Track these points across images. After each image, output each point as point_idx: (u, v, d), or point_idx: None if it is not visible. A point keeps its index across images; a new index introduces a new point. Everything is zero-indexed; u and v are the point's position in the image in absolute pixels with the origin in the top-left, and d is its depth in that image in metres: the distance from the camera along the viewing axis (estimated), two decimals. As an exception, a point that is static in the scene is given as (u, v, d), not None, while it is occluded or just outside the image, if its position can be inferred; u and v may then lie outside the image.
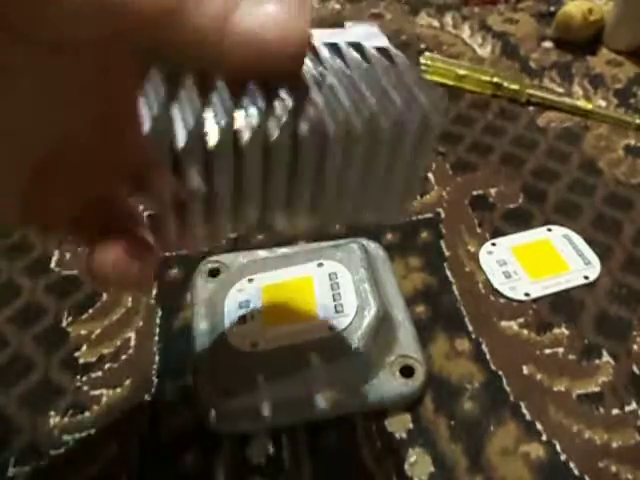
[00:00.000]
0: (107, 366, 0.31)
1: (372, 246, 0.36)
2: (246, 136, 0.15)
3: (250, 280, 0.32)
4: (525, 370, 0.30)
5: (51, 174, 0.17)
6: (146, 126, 0.14)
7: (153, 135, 0.14)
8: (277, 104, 0.15)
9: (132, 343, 0.32)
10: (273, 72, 0.15)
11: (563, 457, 0.27)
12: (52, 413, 0.29)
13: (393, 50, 0.17)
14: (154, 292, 0.34)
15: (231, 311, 0.30)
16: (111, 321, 0.33)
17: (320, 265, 0.32)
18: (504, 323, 0.33)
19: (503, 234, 0.38)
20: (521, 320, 0.33)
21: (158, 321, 0.33)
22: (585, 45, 0.56)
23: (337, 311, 0.29)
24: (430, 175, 0.42)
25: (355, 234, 0.37)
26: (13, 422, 0.29)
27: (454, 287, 0.34)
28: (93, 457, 0.27)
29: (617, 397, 0.29)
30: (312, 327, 0.29)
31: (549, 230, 0.38)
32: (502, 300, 0.34)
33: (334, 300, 0.30)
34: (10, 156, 0.16)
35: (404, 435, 0.28)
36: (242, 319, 0.30)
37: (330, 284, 0.31)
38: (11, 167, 0.16)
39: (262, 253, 0.35)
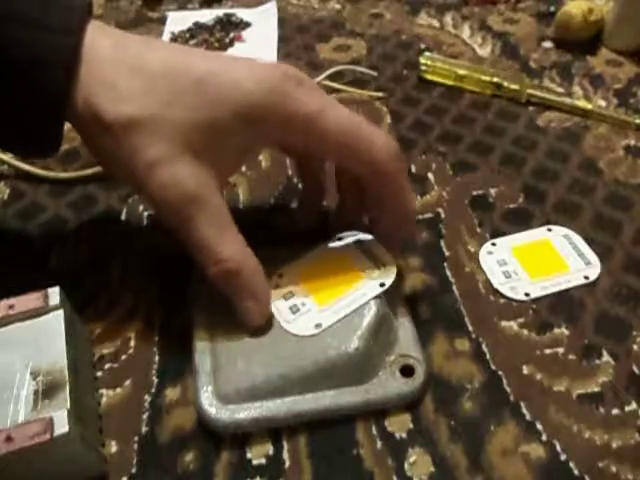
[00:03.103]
0: (107, 366, 0.31)
1: (372, 246, 0.36)
2: None
3: None
4: (525, 370, 0.30)
5: None
6: None
7: None
8: None
9: (132, 343, 0.32)
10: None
11: (563, 457, 0.27)
12: (52, 413, 0.29)
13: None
14: (154, 292, 0.34)
15: None
16: (111, 321, 0.33)
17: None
18: (504, 323, 0.33)
19: (503, 234, 0.38)
20: (521, 320, 0.33)
21: (158, 321, 0.33)
22: (585, 45, 0.56)
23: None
24: (430, 175, 0.42)
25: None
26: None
27: (454, 287, 0.34)
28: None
29: (617, 397, 0.29)
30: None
31: (549, 230, 0.38)
32: (502, 300, 0.34)
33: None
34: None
35: (404, 435, 0.28)
36: None
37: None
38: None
39: (262, 253, 0.35)
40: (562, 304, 0.33)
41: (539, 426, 0.28)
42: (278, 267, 0.32)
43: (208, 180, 0.27)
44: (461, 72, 0.51)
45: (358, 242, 0.32)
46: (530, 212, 0.39)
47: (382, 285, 0.30)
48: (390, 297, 0.32)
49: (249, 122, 0.27)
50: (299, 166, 0.36)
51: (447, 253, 0.37)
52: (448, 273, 0.35)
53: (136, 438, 0.28)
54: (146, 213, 0.40)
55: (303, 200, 0.39)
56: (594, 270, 0.35)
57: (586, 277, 0.35)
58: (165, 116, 0.26)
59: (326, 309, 0.29)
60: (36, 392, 0.24)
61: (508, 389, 0.30)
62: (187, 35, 0.60)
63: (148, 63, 0.27)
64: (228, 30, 0.61)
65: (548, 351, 0.31)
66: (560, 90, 0.51)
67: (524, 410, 0.29)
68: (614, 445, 0.27)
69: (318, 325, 0.29)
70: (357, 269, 0.31)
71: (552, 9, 0.61)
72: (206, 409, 0.28)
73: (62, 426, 0.23)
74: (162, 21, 0.63)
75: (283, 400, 0.28)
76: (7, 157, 0.43)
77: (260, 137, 0.29)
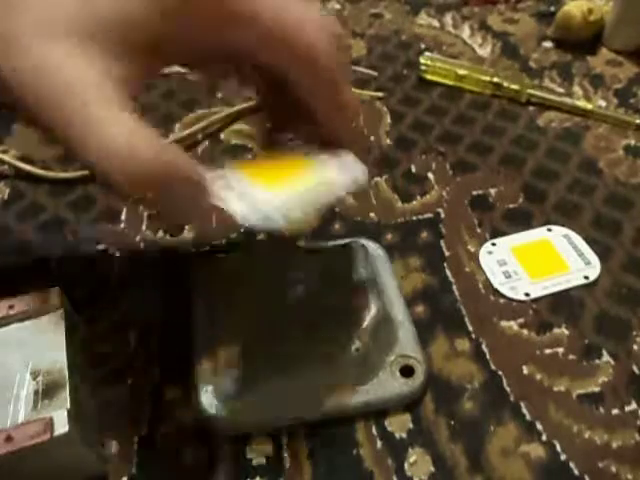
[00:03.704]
0: (107, 366, 0.31)
1: (372, 246, 0.36)
2: None
3: None
4: (525, 370, 0.30)
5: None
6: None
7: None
8: None
9: (132, 343, 0.32)
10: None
11: (563, 457, 0.27)
12: (52, 413, 0.29)
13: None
14: (154, 292, 0.34)
15: None
16: (111, 321, 0.33)
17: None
18: (504, 323, 0.33)
19: (503, 234, 0.38)
20: (521, 320, 0.33)
21: (158, 321, 0.33)
22: (585, 45, 0.56)
23: None
24: (430, 175, 0.42)
25: (355, 234, 0.37)
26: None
27: (454, 287, 0.34)
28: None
29: (617, 397, 0.29)
30: None
31: (549, 230, 0.38)
32: (502, 300, 0.34)
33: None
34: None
35: (404, 435, 0.28)
36: None
37: None
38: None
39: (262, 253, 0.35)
40: (562, 304, 0.33)
41: (539, 426, 0.28)
42: None
43: (100, 71, 0.22)
44: (461, 72, 0.51)
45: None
46: (530, 212, 0.39)
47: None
48: (390, 297, 0.32)
49: (164, 13, 0.22)
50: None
51: (447, 253, 0.37)
52: (448, 273, 0.35)
53: (136, 438, 0.28)
54: (146, 213, 0.40)
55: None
56: (594, 270, 0.35)
57: (586, 277, 0.35)
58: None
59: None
60: (36, 392, 0.24)
61: (508, 389, 0.30)
62: (187, 35, 0.60)
63: None
64: (228, 30, 0.61)
65: (548, 351, 0.31)
66: (560, 90, 0.51)
67: (524, 410, 0.29)
68: (614, 445, 0.27)
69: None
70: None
71: (552, 9, 0.61)
72: (206, 409, 0.28)
73: (62, 426, 0.23)
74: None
75: (283, 400, 0.28)
76: (7, 157, 0.43)
77: (182, 34, 0.23)
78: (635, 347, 0.31)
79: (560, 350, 0.31)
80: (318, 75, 0.24)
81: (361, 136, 0.30)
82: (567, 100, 0.48)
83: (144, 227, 0.39)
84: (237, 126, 0.48)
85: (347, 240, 0.35)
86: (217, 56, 0.26)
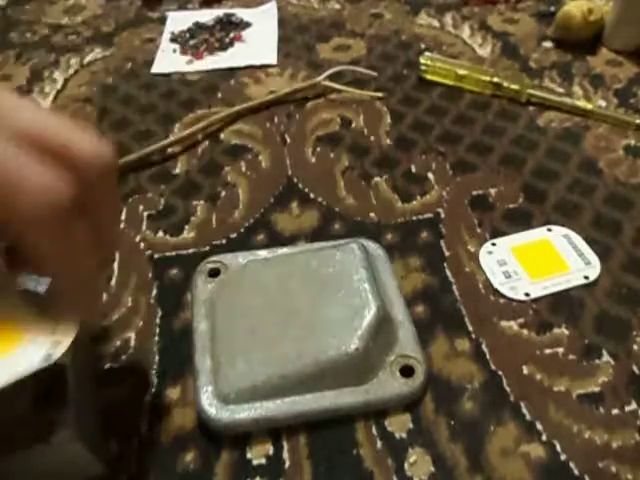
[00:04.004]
0: (107, 366, 0.31)
1: (372, 246, 0.36)
2: None
3: None
4: (525, 370, 0.30)
5: None
6: None
7: None
8: None
9: (132, 343, 0.32)
10: None
11: (563, 457, 0.27)
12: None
13: None
14: (154, 292, 0.34)
15: None
16: (111, 321, 0.33)
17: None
18: (504, 323, 0.33)
19: (503, 234, 0.38)
20: (521, 320, 0.33)
21: (158, 321, 0.33)
22: (585, 45, 0.56)
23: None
24: (430, 175, 0.42)
25: (355, 234, 0.37)
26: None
27: (454, 287, 0.34)
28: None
29: (617, 397, 0.29)
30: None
31: (549, 230, 0.38)
32: (502, 300, 0.34)
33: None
34: None
35: (404, 435, 0.28)
36: None
37: None
38: None
39: (262, 253, 0.35)
40: (562, 304, 0.33)
41: (539, 426, 0.28)
42: None
43: None
44: (461, 72, 0.51)
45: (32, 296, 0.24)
46: (530, 212, 0.39)
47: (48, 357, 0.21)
48: (390, 297, 0.32)
49: None
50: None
51: (447, 253, 0.37)
52: (448, 273, 0.35)
53: (136, 438, 0.28)
54: (146, 213, 0.40)
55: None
56: (594, 270, 0.35)
57: (586, 277, 0.35)
58: None
59: None
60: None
61: (508, 389, 0.30)
62: (187, 35, 0.60)
63: None
64: (228, 30, 0.61)
65: (548, 351, 0.31)
66: (560, 90, 0.51)
67: (524, 410, 0.29)
68: (614, 445, 0.27)
69: None
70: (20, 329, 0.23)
71: (552, 9, 0.61)
72: (206, 409, 0.28)
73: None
74: (162, 21, 0.63)
75: (283, 400, 0.28)
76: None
77: None
78: (635, 347, 0.31)
79: (560, 350, 0.31)
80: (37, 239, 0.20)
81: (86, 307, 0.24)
82: (567, 100, 0.48)
83: (144, 227, 0.39)
84: (237, 126, 0.48)
85: (347, 240, 0.35)
86: None
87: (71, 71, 0.56)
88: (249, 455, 0.27)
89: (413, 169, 0.43)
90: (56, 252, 0.21)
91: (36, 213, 0.19)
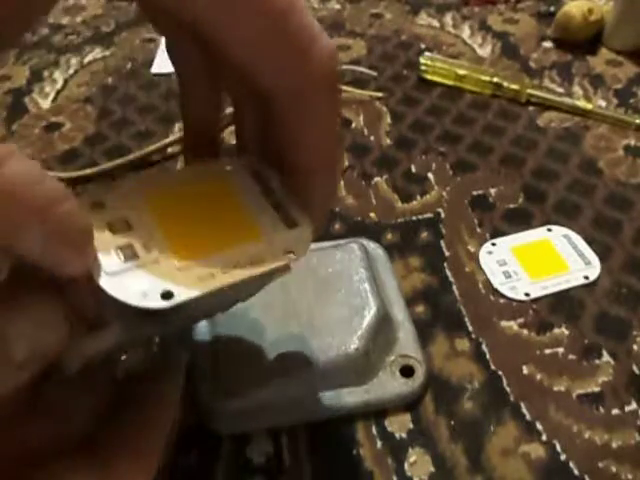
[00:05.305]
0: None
1: (372, 246, 0.36)
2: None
3: None
4: (525, 370, 0.30)
5: None
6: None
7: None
8: None
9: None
10: None
11: (563, 457, 0.27)
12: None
13: None
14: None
15: None
16: (111, 321, 0.33)
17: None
18: (504, 323, 0.33)
19: (503, 234, 0.38)
20: (521, 320, 0.33)
21: (158, 321, 0.33)
22: (585, 45, 0.56)
23: None
24: (430, 175, 0.42)
25: (355, 234, 0.37)
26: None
27: (454, 287, 0.34)
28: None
29: (617, 397, 0.29)
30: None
31: (549, 230, 0.38)
32: (502, 300, 0.34)
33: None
34: None
35: (404, 435, 0.28)
36: None
37: None
38: None
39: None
40: (562, 304, 0.33)
41: (539, 426, 0.28)
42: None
43: None
44: (461, 72, 0.51)
45: (265, 189, 0.21)
46: (530, 212, 0.39)
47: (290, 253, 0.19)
48: (390, 297, 0.32)
49: None
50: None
51: (447, 253, 0.37)
52: (448, 273, 0.35)
53: (136, 438, 0.28)
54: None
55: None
56: (594, 270, 0.35)
57: (586, 277, 0.35)
58: None
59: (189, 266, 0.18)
60: None
61: (508, 389, 0.30)
62: (187, 35, 0.60)
63: None
64: (228, 30, 0.61)
65: (548, 351, 0.31)
66: (560, 90, 0.51)
67: (524, 410, 0.29)
68: (614, 445, 0.27)
69: (167, 294, 0.16)
70: (254, 222, 0.20)
71: (552, 9, 0.61)
72: (206, 409, 0.28)
73: None
74: (162, 21, 0.63)
75: (283, 400, 0.28)
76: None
77: None
78: (635, 347, 0.31)
79: (560, 350, 0.31)
80: (318, 110, 0.19)
81: (325, 213, 0.22)
82: (567, 100, 0.48)
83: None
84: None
85: (347, 240, 0.35)
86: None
87: (71, 71, 0.56)
88: (249, 454, 0.27)
89: (413, 169, 0.43)
90: (327, 117, 0.19)
91: (328, 70, 0.18)
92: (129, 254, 0.17)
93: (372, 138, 0.46)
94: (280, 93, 0.18)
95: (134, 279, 0.16)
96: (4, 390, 0.15)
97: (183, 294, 0.16)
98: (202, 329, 0.31)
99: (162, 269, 0.17)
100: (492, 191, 0.41)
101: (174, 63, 0.22)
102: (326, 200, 0.21)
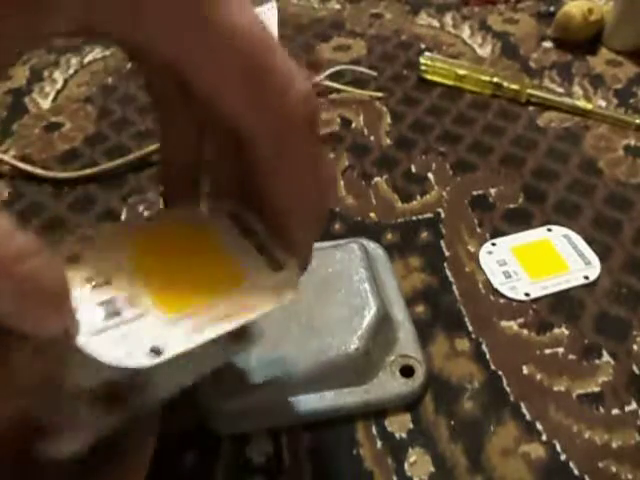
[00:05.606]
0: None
1: (372, 246, 0.36)
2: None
3: None
4: (525, 370, 0.30)
5: None
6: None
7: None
8: None
9: (132, 343, 0.32)
10: None
11: (563, 457, 0.27)
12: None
13: None
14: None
15: None
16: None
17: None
18: (504, 323, 0.33)
19: (503, 234, 0.38)
20: (521, 320, 0.33)
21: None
22: (585, 45, 0.56)
23: None
24: (430, 175, 0.42)
25: (355, 234, 0.37)
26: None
27: (454, 287, 0.34)
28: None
29: (617, 397, 0.29)
30: None
31: (549, 230, 0.38)
32: (502, 300, 0.34)
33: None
34: None
35: (404, 435, 0.28)
36: None
37: None
38: None
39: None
40: (562, 304, 0.33)
41: (539, 426, 0.28)
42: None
43: None
44: (461, 72, 0.51)
45: (245, 232, 0.20)
46: (530, 212, 0.39)
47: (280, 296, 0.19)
48: (390, 297, 0.32)
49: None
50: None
51: (447, 253, 0.37)
52: (448, 273, 0.35)
53: (136, 438, 0.28)
54: (146, 213, 0.40)
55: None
56: (594, 270, 0.35)
57: (586, 277, 0.35)
58: None
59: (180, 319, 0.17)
60: None
61: (508, 389, 0.30)
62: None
63: None
64: (228, 30, 0.61)
65: (548, 351, 0.31)
66: (560, 90, 0.51)
67: (524, 410, 0.29)
68: (614, 445, 0.27)
69: (156, 350, 0.16)
70: (238, 268, 0.19)
71: (552, 9, 0.61)
72: (206, 408, 0.28)
73: None
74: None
75: (283, 400, 0.28)
76: (7, 157, 0.43)
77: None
78: (635, 347, 0.31)
79: (560, 350, 0.31)
80: (296, 151, 0.18)
81: (308, 253, 0.22)
82: (567, 100, 0.48)
83: (144, 227, 0.39)
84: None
85: (347, 240, 0.35)
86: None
87: (71, 71, 0.56)
88: (249, 455, 0.27)
89: (413, 169, 0.43)
90: (308, 157, 0.19)
91: (305, 110, 0.18)
92: (111, 310, 0.16)
93: (372, 138, 0.46)
94: (258, 135, 0.18)
95: (117, 337, 0.15)
96: None
97: (173, 349, 0.15)
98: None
99: (147, 325, 0.16)
100: (492, 191, 0.41)
101: (156, 107, 0.22)
102: (309, 240, 0.21)
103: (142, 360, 0.15)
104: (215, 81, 0.17)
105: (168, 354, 0.15)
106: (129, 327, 0.16)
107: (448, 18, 0.62)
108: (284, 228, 0.20)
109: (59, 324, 0.15)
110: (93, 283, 0.17)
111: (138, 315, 0.16)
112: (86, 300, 0.16)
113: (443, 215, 0.39)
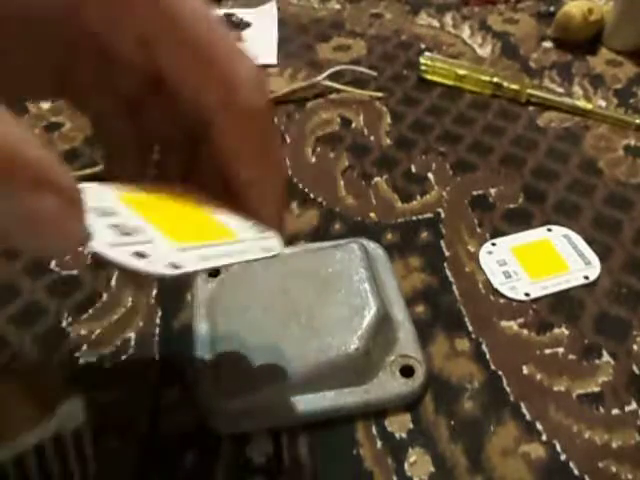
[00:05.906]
0: (107, 366, 0.31)
1: (372, 246, 0.36)
2: None
3: None
4: (525, 370, 0.30)
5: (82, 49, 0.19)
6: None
7: None
8: None
9: (132, 343, 0.32)
10: None
11: (563, 457, 0.27)
12: (52, 413, 0.29)
13: None
14: (154, 292, 0.34)
15: None
16: (111, 321, 0.33)
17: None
18: (504, 323, 0.33)
19: (503, 234, 0.38)
20: (521, 320, 0.33)
21: (158, 321, 0.33)
22: (585, 45, 0.56)
23: None
24: (430, 175, 0.42)
25: (355, 234, 0.37)
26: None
27: (454, 287, 0.34)
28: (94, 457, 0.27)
29: (617, 397, 0.29)
30: None
31: (549, 230, 0.38)
32: (502, 300, 0.34)
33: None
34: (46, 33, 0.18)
35: (404, 435, 0.28)
36: None
37: None
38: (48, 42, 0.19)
39: None
40: (562, 304, 0.33)
41: (539, 426, 0.28)
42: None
43: None
44: (461, 72, 0.51)
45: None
46: (530, 212, 0.39)
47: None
48: (390, 297, 0.32)
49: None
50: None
51: (447, 253, 0.37)
52: (448, 273, 0.35)
53: (136, 438, 0.28)
54: (146, 213, 0.40)
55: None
56: (594, 270, 0.35)
57: (586, 277, 0.35)
58: None
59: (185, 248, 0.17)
60: None
61: (508, 389, 0.30)
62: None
63: None
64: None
65: (548, 351, 0.31)
66: (560, 90, 0.51)
67: (524, 410, 0.29)
68: (614, 445, 0.27)
69: (175, 265, 0.16)
70: (228, 226, 0.21)
71: (552, 9, 0.61)
72: (206, 408, 0.28)
73: None
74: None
75: (283, 400, 0.28)
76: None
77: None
78: (635, 347, 0.31)
79: (560, 350, 0.31)
80: (249, 129, 0.20)
81: (279, 218, 0.22)
82: (567, 100, 0.48)
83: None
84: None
85: (347, 240, 0.35)
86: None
87: (71, 71, 0.56)
88: (249, 455, 0.27)
89: (413, 169, 0.43)
90: (268, 145, 0.21)
91: (256, 90, 0.19)
92: (122, 232, 0.16)
93: (372, 138, 0.46)
94: (213, 113, 0.19)
95: (133, 252, 0.15)
96: None
97: (190, 266, 0.16)
98: (202, 330, 0.31)
99: (159, 247, 0.16)
100: (492, 191, 0.41)
101: (102, 139, 0.24)
102: (274, 210, 0.22)
103: (164, 270, 0.15)
104: (179, 65, 0.19)
105: (187, 268, 0.16)
106: (144, 246, 0.16)
107: (448, 18, 0.62)
108: (248, 199, 0.21)
109: (77, 219, 0.14)
110: (99, 213, 0.16)
111: (149, 239, 0.16)
112: (95, 223, 0.15)
113: (443, 215, 0.39)
